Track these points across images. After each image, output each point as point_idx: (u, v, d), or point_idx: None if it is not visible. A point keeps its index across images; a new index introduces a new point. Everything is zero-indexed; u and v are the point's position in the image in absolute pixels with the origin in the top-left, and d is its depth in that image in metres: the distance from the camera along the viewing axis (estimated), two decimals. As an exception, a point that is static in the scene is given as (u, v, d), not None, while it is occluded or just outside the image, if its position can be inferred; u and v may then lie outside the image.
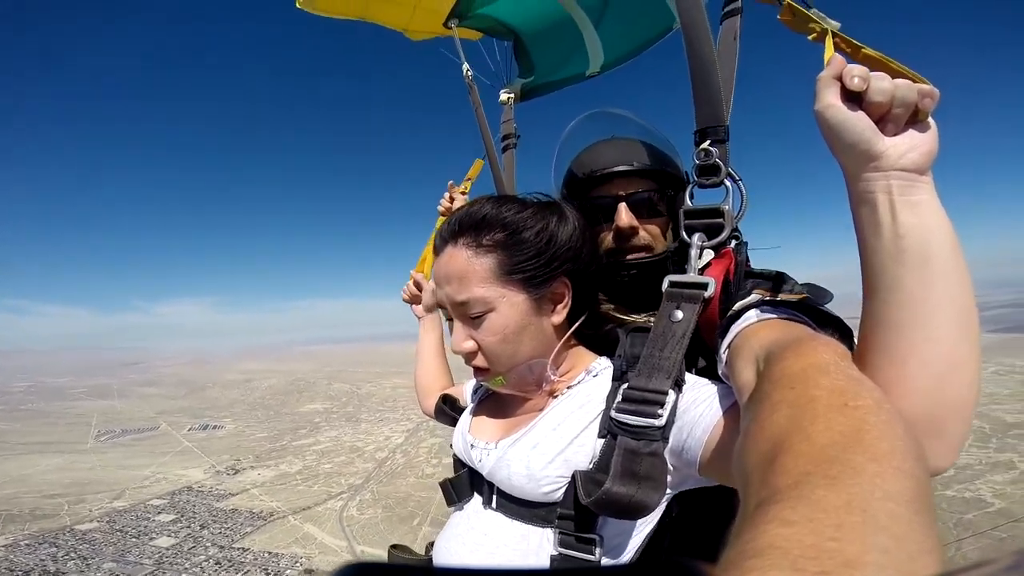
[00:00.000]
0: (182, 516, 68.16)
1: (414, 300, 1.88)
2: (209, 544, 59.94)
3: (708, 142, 1.06)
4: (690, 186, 1.11)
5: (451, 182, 1.91)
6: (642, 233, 1.22)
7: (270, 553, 58.54)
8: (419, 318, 1.86)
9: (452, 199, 1.89)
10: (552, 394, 1.06)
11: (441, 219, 1.83)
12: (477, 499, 1.08)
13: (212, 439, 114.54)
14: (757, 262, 1.14)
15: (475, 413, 1.24)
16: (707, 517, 1.06)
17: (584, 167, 1.26)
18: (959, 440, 0.69)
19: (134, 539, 60.82)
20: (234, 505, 72.76)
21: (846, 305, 0.91)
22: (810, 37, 1.03)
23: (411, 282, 1.87)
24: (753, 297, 0.93)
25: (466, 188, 1.94)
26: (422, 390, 1.75)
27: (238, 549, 59.05)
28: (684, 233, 1.07)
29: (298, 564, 56.12)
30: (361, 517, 69.05)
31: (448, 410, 1.43)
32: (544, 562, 0.91)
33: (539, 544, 0.93)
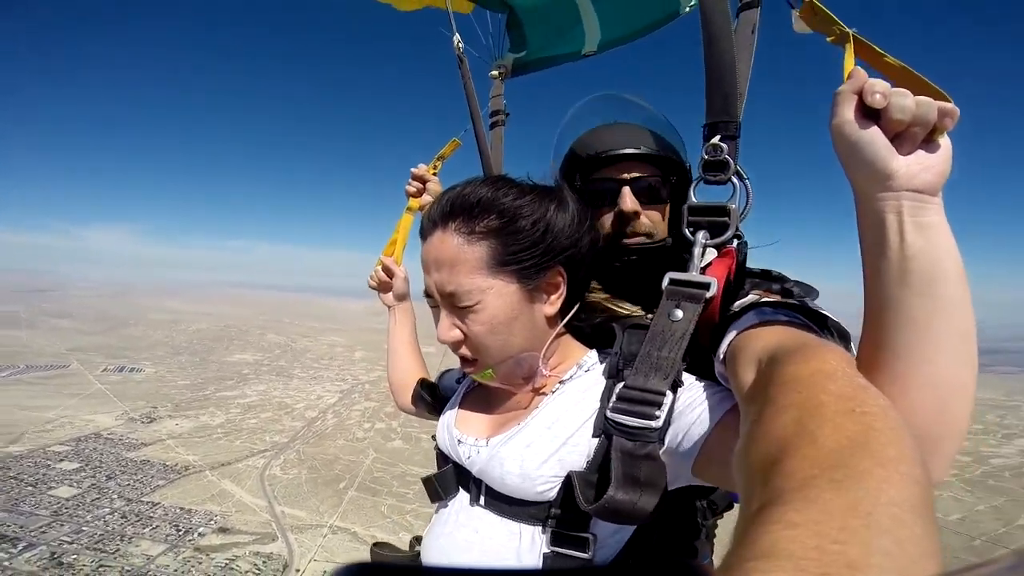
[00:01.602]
0: (87, 465, 64.38)
1: (383, 287, 1.71)
2: (115, 496, 57.06)
3: (719, 137, 1.03)
4: (696, 181, 1.07)
5: (416, 168, 1.77)
6: (643, 219, 1.20)
7: (182, 508, 56.55)
8: (389, 307, 1.71)
9: (423, 180, 1.75)
10: (542, 389, 1.04)
11: (413, 201, 1.76)
12: (464, 496, 1.06)
13: (128, 383, 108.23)
14: (753, 259, 1.11)
15: (461, 406, 1.20)
16: (690, 512, 1.09)
17: (588, 148, 1.23)
18: (951, 457, 0.70)
19: (30, 487, 56.76)
20: (146, 456, 69.59)
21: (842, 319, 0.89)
22: (829, 39, 0.99)
23: (379, 267, 1.70)
24: (750, 297, 0.91)
25: (436, 167, 1.82)
26: (397, 386, 1.62)
27: (147, 503, 56.67)
28: (688, 230, 1.04)
29: (212, 522, 54.55)
30: (284, 476, 67.83)
31: (427, 396, 1.38)
32: (537, 560, 0.90)
33: (531, 542, 0.92)
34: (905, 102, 0.70)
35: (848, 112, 0.73)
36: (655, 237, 1.21)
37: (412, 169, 1.77)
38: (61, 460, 64.89)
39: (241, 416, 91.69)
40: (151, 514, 54.55)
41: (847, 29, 0.96)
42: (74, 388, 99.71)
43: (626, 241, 1.20)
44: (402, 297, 1.70)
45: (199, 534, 52.01)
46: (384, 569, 0.22)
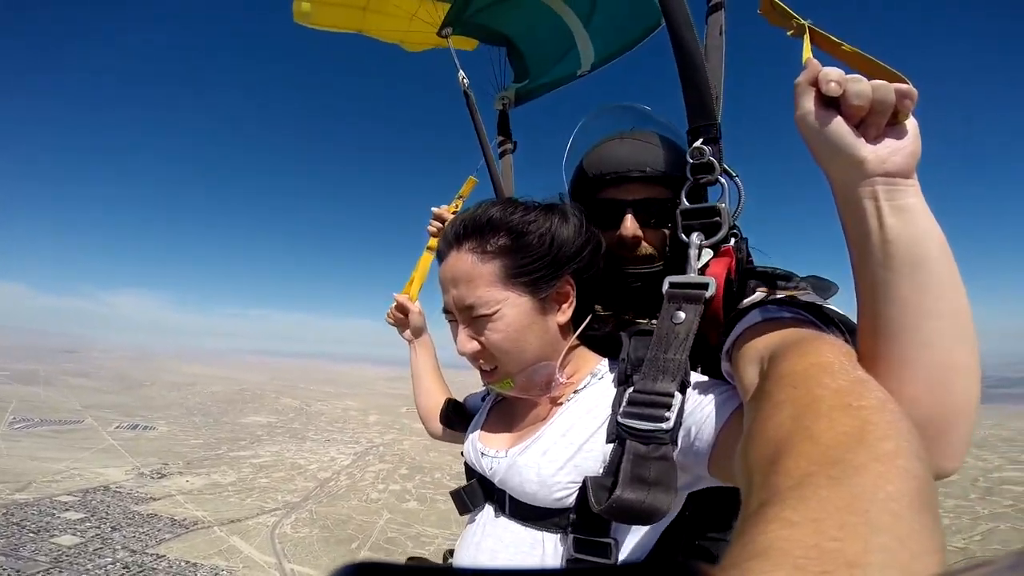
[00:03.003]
0: (92, 515, 61.71)
1: (399, 324, 1.79)
2: (119, 547, 54.07)
3: (700, 141, 1.05)
4: (685, 186, 1.09)
5: (437, 208, 1.79)
6: (644, 244, 1.19)
7: (187, 562, 53.32)
8: (409, 341, 1.79)
9: (443, 220, 1.76)
10: (559, 399, 1.06)
11: (433, 240, 1.80)
12: (490, 508, 1.08)
13: (140, 439, 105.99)
14: (760, 259, 1.12)
15: (485, 421, 1.24)
16: (720, 515, 1.08)
17: (594, 167, 1.23)
18: (963, 443, 0.69)
19: (32, 534, 54.34)
20: (154, 510, 66.67)
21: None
22: (789, 32, 1.01)
23: (395, 305, 1.78)
24: (756, 296, 0.93)
25: (457, 206, 1.85)
26: (425, 412, 1.67)
27: (151, 555, 53.58)
28: (682, 233, 1.05)
29: (218, 577, 50.78)
30: (295, 535, 64.13)
31: (454, 416, 1.43)
32: (559, 566, 0.91)
33: (555, 549, 0.93)
34: (860, 87, 0.70)
35: (808, 103, 0.73)
36: (656, 260, 1.19)
37: (433, 208, 1.78)
38: (67, 510, 62.26)
39: (253, 475, 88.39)
40: (155, 566, 51.36)
41: (803, 21, 0.98)
42: (86, 443, 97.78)
43: (627, 267, 1.19)
44: (419, 331, 1.76)
45: (204, 588, 48.29)
46: (384, 569, 0.22)
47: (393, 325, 1.80)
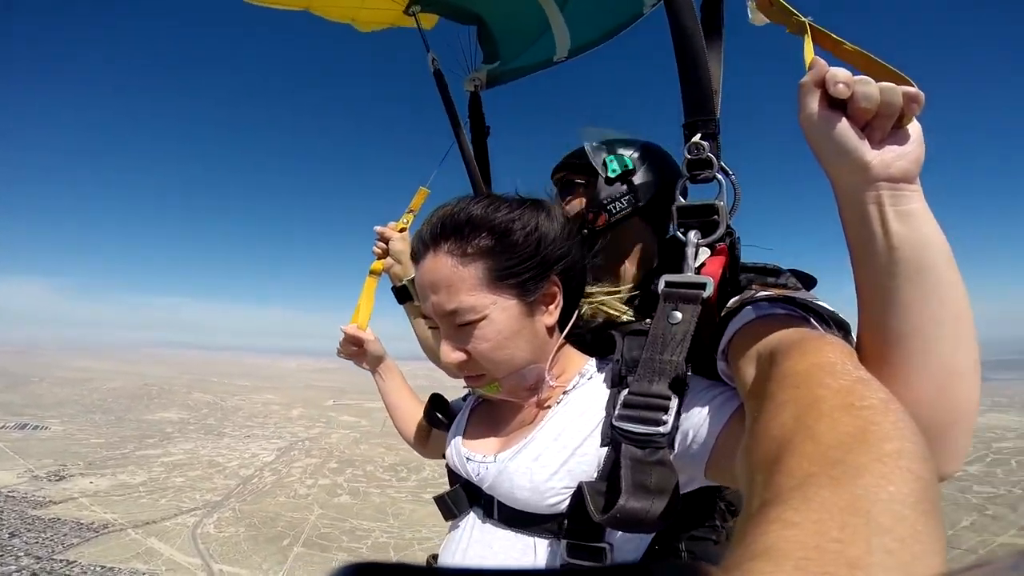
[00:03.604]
0: (-17, 522, 55.98)
1: (354, 356, 1.65)
2: (21, 554, 49.78)
3: (699, 135, 1.02)
4: (681, 181, 1.05)
5: (380, 227, 1.69)
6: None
7: (103, 567, 50.23)
8: (371, 372, 1.66)
9: (387, 240, 1.66)
10: (545, 401, 1.03)
11: (376, 263, 1.68)
12: (477, 512, 1.05)
13: (31, 440, 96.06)
14: (747, 256, 1.12)
15: (468, 424, 1.20)
16: (713, 515, 1.09)
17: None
18: (963, 447, 0.69)
19: (-89, 546, 48.68)
20: (56, 514, 61.59)
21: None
22: (788, 29, 1.00)
23: (344, 338, 1.62)
24: (749, 293, 0.92)
25: (407, 222, 1.72)
26: (410, 435, 1.61)
27: (60, 561, 49.84)
28: (679, 231, 1.03)
29: (140, 580, 48.57)
30: (219, 535, 61.85)
31: (439, 413, 1.37)
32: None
33: (545, 555, 0.91)
34: (869, 89, 0.69)
35: (813, 104, 0.72)
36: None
37: (376, 228, 1.69)
38: (-50, 518, 56.17)
39: (166, 474, 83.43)
40: (67, 572, 47.95)
41: (803, 18, 0.95)
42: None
43: None
44: (379, 359, 1.64)
45: (126, 592, 46.14)
46: (384, 569, 0.22)
47: (347, 358, 1.65)
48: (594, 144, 1.35)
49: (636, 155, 1.31)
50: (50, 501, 65.28)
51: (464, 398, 1.34)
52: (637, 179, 1.29)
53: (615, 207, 1.29)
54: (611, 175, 1.29)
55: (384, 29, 2.16)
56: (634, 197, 1.28)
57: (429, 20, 2.06)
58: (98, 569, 49.56)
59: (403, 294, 1.64)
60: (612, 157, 1.31)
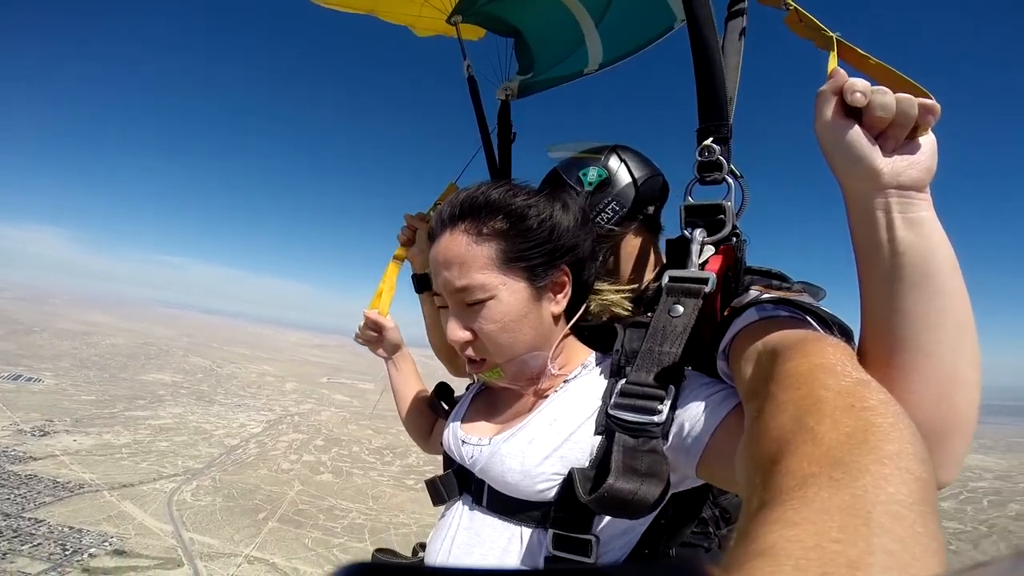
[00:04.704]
0: (-43, 475, 55.80)
1: (372, 343, 1.65)
2: (-10, 510, 49.35)
3: (711, 139, 1.05)
4: (690, 183, 1.09)
5: (410, 214, 1.70)
6: None
7: (71, 528, 49.90)
8: (385, 359, 1.66)
9: (414, 229, 1.66)
10: (547, 390, 1.04)
11: (400, 249, 1.69)
12: (467, 498, 1.05)
13: (22, 392, 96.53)
14: (752, 260, 1.15)
15: (467, 409, 1.20)
16: (700, 517, 1.07)
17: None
18: (961, 454, 0.69)
19: None
20: (33, 471, 61.53)
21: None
22: (816, 44, 1.02)
23: (364, 322, 1.62)
24: (753, 294, 0.93)
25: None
26: (417, 429, 1.58)
27: (28, 519, 49.54)
28: (686, 229, 1.06)
29: (106, 543, 48.38)
30: (195, 503, 61.57)
31: (443, 401, 1.37)
32: (538, 564, 0.89)
33: (533, 545, 0.91)
34: (885, 99, 0.71)
35: (829, 112, 0.74)
36: None
37: (406, 215, 1.70)
38: (-75, 467, 56.02)
39: (151, 438, 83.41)
40: (33, 531, 47.73)
41: (831, 33, 0.98)
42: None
43: None
44: (396, 347, 1.64)
45: (89, 555, 45.88)
46: (385, 569, 0.22)
47: (364, 344, 1.67)
48: (564, 160, 1.41)
49: (609, 162, 1.37)
50: (30, 457, 65.27)
51: (468, 386, 1.36)
52: (616, 185, 1.35)
53: (603, 217, 1.33)
54: (589, 188, 1.34)
55: (438, 36, 2.27)
56: (618, 203, 1.34)
57: (475, 32, 2.21)
58: (65, 530, 49.25)
59: (423, 282, 1.65)
60: (586, 170, 1.35)
